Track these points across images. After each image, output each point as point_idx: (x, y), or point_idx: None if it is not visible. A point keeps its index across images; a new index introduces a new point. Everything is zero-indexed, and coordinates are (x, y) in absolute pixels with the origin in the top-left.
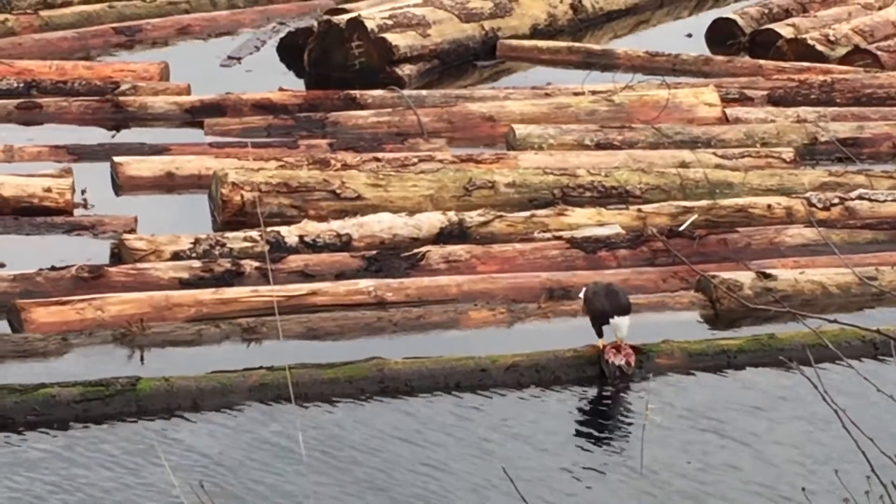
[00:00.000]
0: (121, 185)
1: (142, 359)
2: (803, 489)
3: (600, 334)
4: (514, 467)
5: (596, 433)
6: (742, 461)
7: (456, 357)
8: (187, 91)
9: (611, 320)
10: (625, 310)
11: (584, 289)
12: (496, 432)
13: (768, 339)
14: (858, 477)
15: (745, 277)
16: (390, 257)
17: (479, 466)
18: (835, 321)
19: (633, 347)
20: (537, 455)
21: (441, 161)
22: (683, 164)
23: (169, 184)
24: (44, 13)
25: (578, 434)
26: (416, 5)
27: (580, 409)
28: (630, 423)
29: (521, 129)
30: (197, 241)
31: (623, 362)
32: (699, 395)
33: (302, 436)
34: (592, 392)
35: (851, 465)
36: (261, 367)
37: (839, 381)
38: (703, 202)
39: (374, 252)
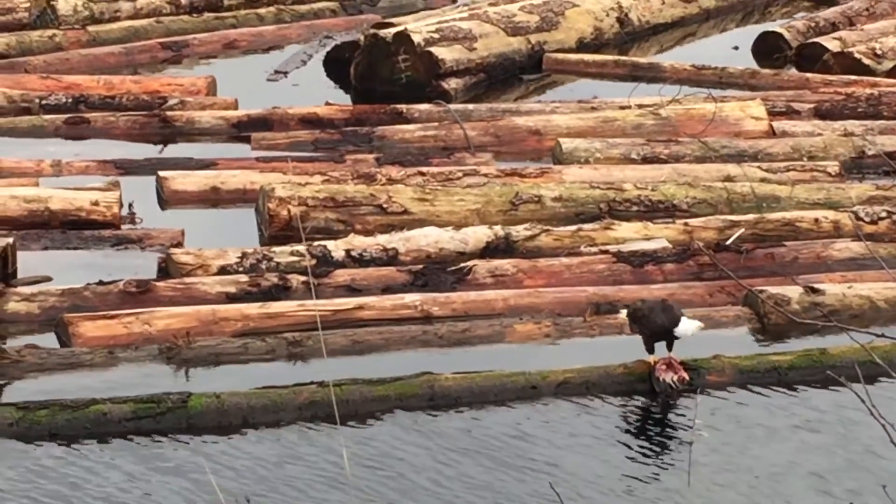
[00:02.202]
0: (166, 199)
1: (187, 373)
2: None
3: (651, 350)
4: (563, 483)
5: (644, 449)
6: (792, 478)
7: (506, 373)
8: (234, 106)
9: (675, 330)
10: (679, 320)
11: (625, 310)
12: (545, 448)
13: (820, 354)
14: None
15: (792, 292)
16: (437, 272)
17: (528, 483)
18: (882, 335)
19: (683, 365)
20: (585, 470)
21: (486, 175)
22: (729, 178)
23: (214, 198)
24: (91, 28)
25: (627, 450)
26: (462, 19)
27: (629, 425)
28: (678, 439)
29: (567, 143)
30: (244, 256)
31: (674, 379)
32: (750, 411)
33: (348, 454)
34: (642, 407)
35: None
36: (311, 383)
37: (891, 397)
38: (750, 216)
39: (420, 266)
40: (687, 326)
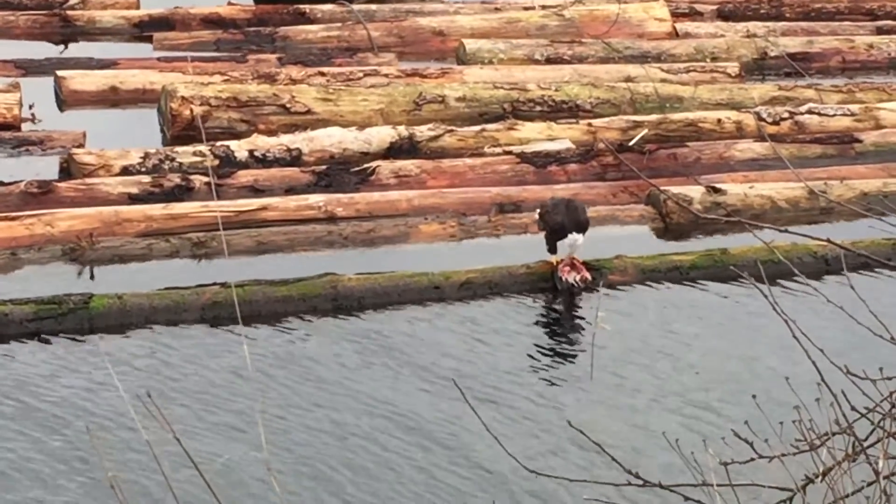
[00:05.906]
0: (64, 99)
1: (92, 274)
2: (754, 396)
3: (554, 251)
4: (466, 380)
5: (547, 345)
6: (694, 372)
7: (409, 273)
8: (136, 5)
9: (568, 235)
10: (583, 227)
11: (539, 207)
12: (449, 347)
13: (721, 254)
14: (809, 385)
15: (694, 192)
16: (340, 172)
17: (431, 380)
18: (785, 230)
19: (586, 265)
20: (489, 368)
21: (387, 76)
22: (629, 79)
23: (113, 98)
24: None
25: (530, 347)
26: None
27: (532, 324)
28: (580, 335)
29: (471, 44)
30: (146, 156)
31: (577, 279)
32: (652, 308)
33: (251, 351)
34: (545, 306)
35: (802, 374)
36: (214, 284)
37: (790, 294)
38: (654, 116)
39: (324, 167)
40: (579, 238)
